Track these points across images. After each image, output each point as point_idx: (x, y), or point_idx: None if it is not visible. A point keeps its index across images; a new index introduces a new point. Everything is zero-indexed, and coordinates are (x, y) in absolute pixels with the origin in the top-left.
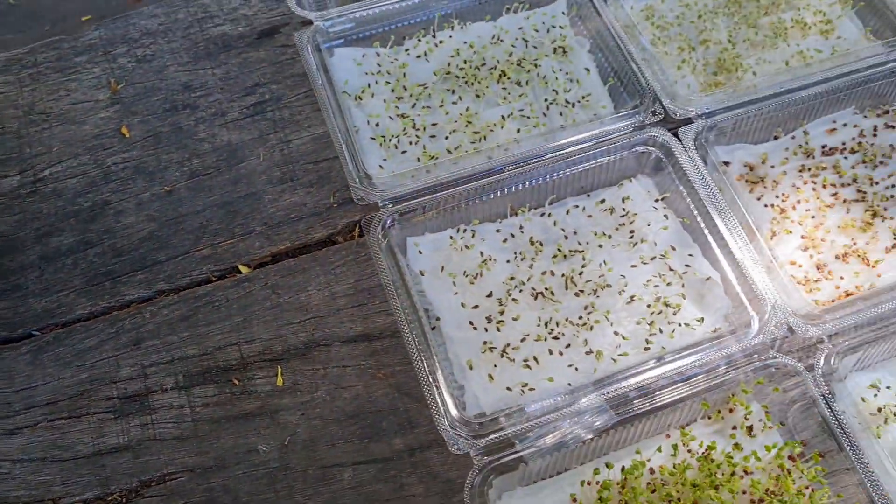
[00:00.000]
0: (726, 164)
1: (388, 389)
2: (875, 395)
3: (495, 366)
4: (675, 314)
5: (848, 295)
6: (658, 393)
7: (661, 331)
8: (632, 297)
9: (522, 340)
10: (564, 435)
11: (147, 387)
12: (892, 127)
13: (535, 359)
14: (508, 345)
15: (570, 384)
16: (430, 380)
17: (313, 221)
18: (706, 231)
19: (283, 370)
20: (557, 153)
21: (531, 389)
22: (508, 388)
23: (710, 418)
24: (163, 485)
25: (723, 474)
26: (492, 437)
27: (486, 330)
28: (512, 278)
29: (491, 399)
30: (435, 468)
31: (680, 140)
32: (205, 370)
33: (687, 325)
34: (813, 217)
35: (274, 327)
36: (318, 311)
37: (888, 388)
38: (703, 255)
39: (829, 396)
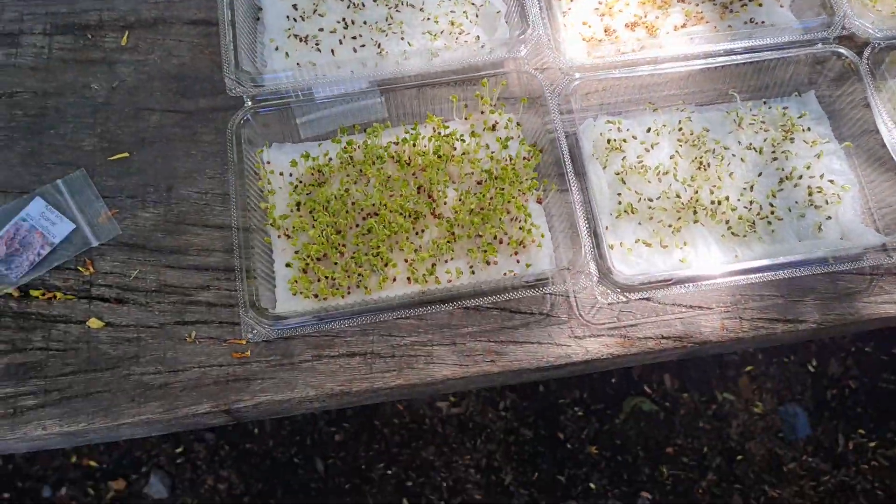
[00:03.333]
0: None
1: (211, 64)
2: (609, 130)
3: (297, 49)
4: (460, 34)
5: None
6: (425, 87)
7: (445, 45)
8: (428, 17)
9: (321, 30)
10: (335, 109)
11: (20, 29)
12: None
13: (331, 51)
14: (309, 35)
15: (352, 71)
16: (228, 42)
17: None
18: None
19: (130, 34)
20: None
21: (324, 75)
22: (298, 64)
23: (466, 119)
24: (10, 99)
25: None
26: (267, 89)
27: (294, 20)
28: None
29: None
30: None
31: None
32: (69, 24)
33: (466, 42)
34: None
35: (133, 2)
36: None
37: (628, 129)
38: None
39: (576, 133)
